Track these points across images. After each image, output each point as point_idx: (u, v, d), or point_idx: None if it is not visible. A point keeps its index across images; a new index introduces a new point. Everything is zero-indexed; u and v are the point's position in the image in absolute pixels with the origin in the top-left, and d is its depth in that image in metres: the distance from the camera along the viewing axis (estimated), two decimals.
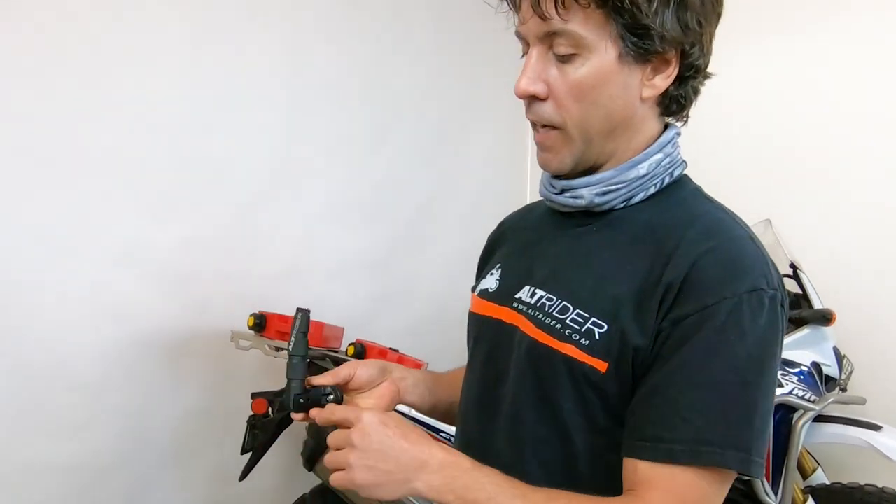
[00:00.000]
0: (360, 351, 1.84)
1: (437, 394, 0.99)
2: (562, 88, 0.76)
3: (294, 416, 0.84)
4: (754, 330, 0.70)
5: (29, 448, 1.67)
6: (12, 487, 1.65)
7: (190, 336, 1.92)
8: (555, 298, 0.80)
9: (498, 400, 0.85)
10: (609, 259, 0.79)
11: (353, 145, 2.27)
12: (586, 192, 0.81)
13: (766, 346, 0.71)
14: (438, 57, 2.49)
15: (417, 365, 1.83)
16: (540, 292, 0.82)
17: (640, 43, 0.72)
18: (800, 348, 1.77)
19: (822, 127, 2.15)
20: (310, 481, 1.86)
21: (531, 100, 0.78)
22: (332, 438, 0.77)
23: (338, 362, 1.69)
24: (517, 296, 0.85)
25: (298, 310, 0.85)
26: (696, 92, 0.81)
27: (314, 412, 0.82)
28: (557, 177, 0.84)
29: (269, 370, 2.01)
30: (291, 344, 0.84)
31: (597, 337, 0.75)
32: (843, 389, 1.84)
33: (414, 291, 2.45)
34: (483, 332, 0.91)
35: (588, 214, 0.83)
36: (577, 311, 0.77)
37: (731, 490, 0.73)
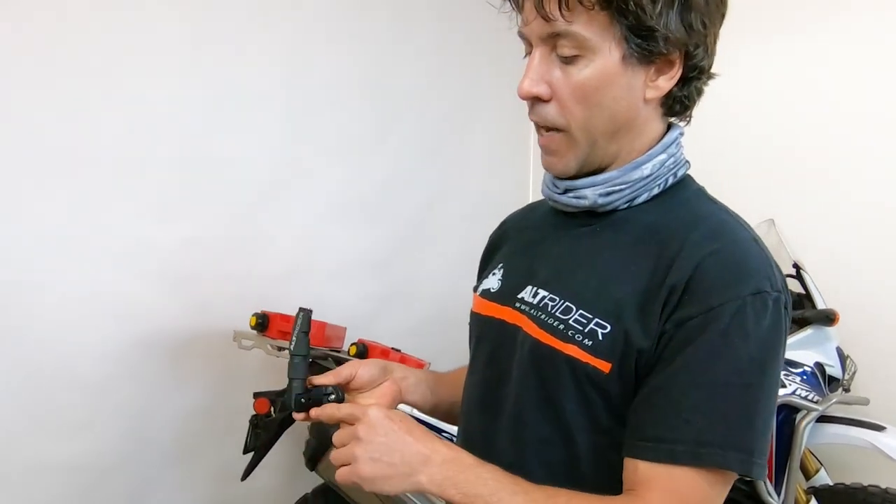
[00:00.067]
0: (363, 351, 1.84)
1: (439, 393, 0.99)
2: (565, 90, 0.75)
3: (295, 415, 0.84)
4: (758, 332, 0.70)
5: (31, 448, 1.67)
6: (14, 487, 1.65)
7: (192, 336, 1.92)
8: (557, 299, 0.80)
9: (500, 400, 0.85)
10: (612, 260, 0.79)
11: (355, 145, 2.27)
12: (590, 193, 0.81)
13: (769, 349, 0.71)
14: (440, 56, 2.49)
15: (420, 365, 1.83)
16: (542, 292, 0.82)
17: (644, 44, 0.72)
18: (803, 348, 1.77)
19: (822, 127, 2.14)
20: (312, 481, 1.86)
21: (534, 101, 0.78)
22: (338, 436, 0.77)
23: (340, 362, 1.69)
24: (519, 296, 0.85)
25: (300, 309, 0.85)
26: (700, 93, 0.81)
27: (319, 410, 0.82)
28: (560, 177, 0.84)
29: (272, 370, 2.01)
30: (293, 343, 0.84)
31: (600, 338, 0.74)
32: (847, 390, 1.84)
33: (416, 291, 2.45)
34: (485, 333, 0.91)
35: (591, 215, 0.83)
36: (581, 311, 0.77)
37: (733, 490, 0.73)
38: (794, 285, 1.90)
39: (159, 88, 1.82)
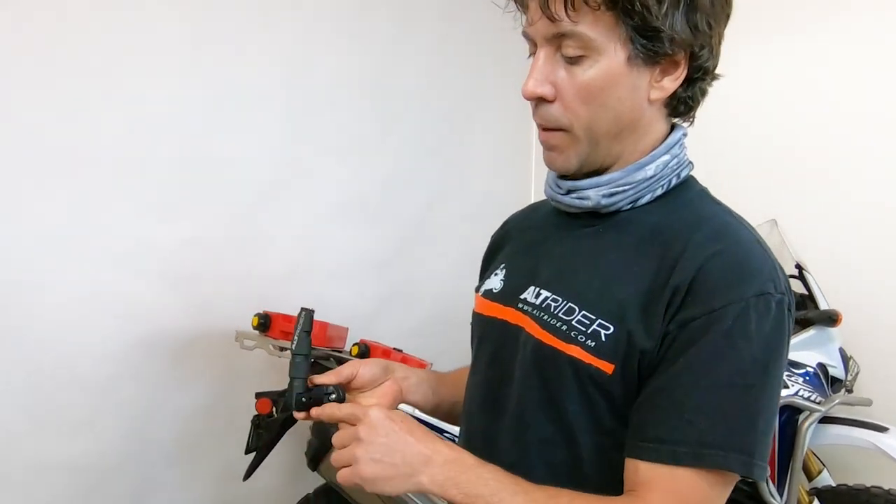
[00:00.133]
0: (364, 351, 1.83)
1: (440, 393, 0.99)
2: (570, 90, 0.75)
3: (296, 414, 0.84)
4: (761, 334, 0.70)
5: (32, 448, 1.67)
6: (16, 487, 1.65)
7: (194, 336, 1.92)
8: (560, 299, 0.80)
9: (503, 401, 0.84)
10: (615, 261, 0.79)
11: (356, 145, 2.27)
12: (593, 194, 0.80)
13: (772, 351, 0.71)
14: (440, 56, 2.48)
15: (421, 365, 1.82)
16: (545, 293, 0.82)
17: (649, 45, 0.72)
18: (805, 349, 1.77)
19: (822, 127, 2.14)
20: (314, 481, 1.86)
21: (538, 102, 0.77)
22: (338, 437, 0.77)
23: (342, 362, 1.68)
24: (522, 296, 0.85)
25: (302, 309, 0.85)
26: (704, 93, 0.80)
27: (320, 409, 0.82)
28: (564, 177, 0.84)
29: (274, 370, 2.01)
30: (294, 343, 0.84)
31: (603, 339, 0.74)
32: (849, 391, 1.83)
33: (417, 291, 2.45)
34: (487, 333, 0.90)
35: (594, 216, 0.83)
36: (584, 312, 0.77)
37: (735, 491, 0.73)
38: (796, 286, 1.90)
39: (159, 88, 1.82)
